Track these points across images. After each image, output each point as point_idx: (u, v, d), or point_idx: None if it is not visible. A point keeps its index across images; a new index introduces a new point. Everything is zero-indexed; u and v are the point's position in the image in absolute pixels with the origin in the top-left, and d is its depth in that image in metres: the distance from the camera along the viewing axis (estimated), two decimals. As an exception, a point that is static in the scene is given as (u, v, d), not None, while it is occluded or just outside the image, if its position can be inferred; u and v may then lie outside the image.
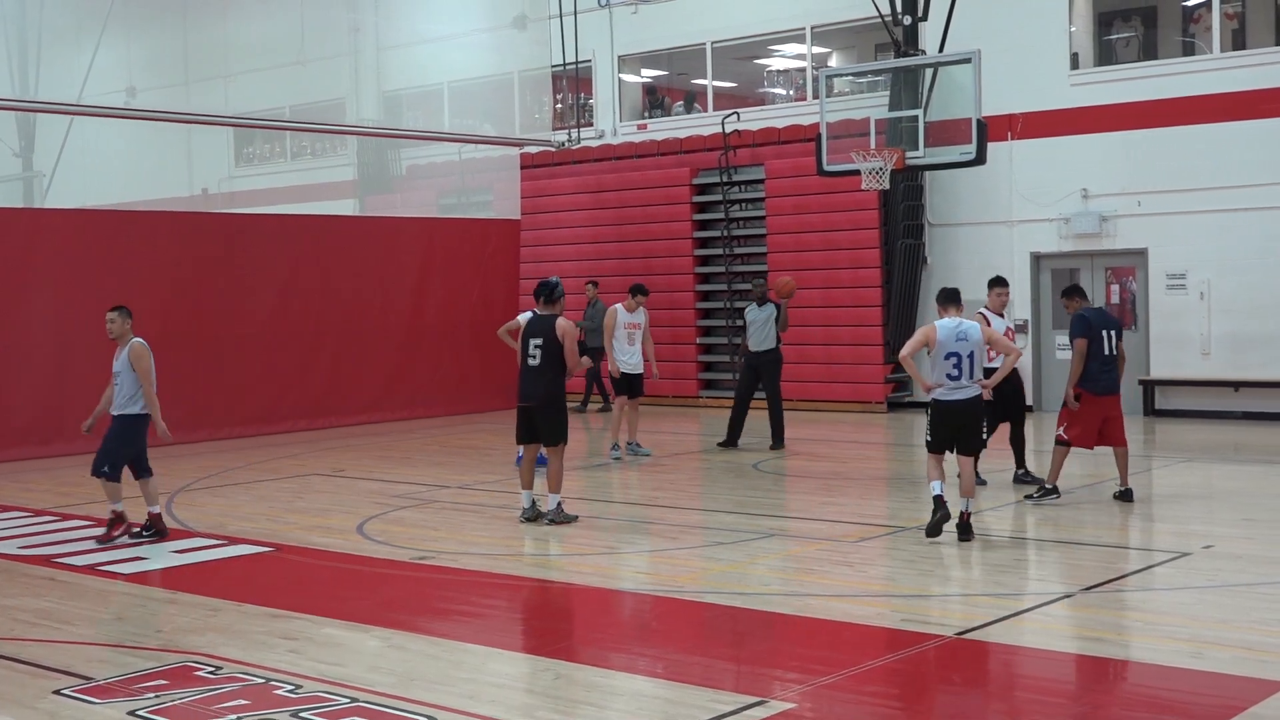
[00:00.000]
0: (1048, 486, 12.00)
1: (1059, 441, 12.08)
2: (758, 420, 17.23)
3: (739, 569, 9.75)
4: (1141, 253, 19.51)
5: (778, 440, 16.62)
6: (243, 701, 6.74)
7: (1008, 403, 13.06)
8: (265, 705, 6.68)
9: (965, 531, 10.54)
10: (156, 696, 6.87)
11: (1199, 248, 18.97)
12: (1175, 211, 19.13)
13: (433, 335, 22.19)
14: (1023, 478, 13.12)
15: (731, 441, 16.62)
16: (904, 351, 10.72)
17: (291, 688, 6.95)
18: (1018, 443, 13.28)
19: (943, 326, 10.64)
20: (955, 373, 10.58)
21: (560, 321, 11.63)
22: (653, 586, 9.39)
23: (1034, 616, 8.18)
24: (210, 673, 7.27)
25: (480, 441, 18.53)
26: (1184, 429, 18.05)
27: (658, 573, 9.91)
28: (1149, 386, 19.22)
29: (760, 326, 16.56)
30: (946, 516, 10.50)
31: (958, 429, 10.65)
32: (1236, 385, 18.80)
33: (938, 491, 10.72)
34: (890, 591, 9.09)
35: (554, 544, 10.97)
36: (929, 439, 10.87)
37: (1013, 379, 12.98)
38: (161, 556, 10.70)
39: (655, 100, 25.04)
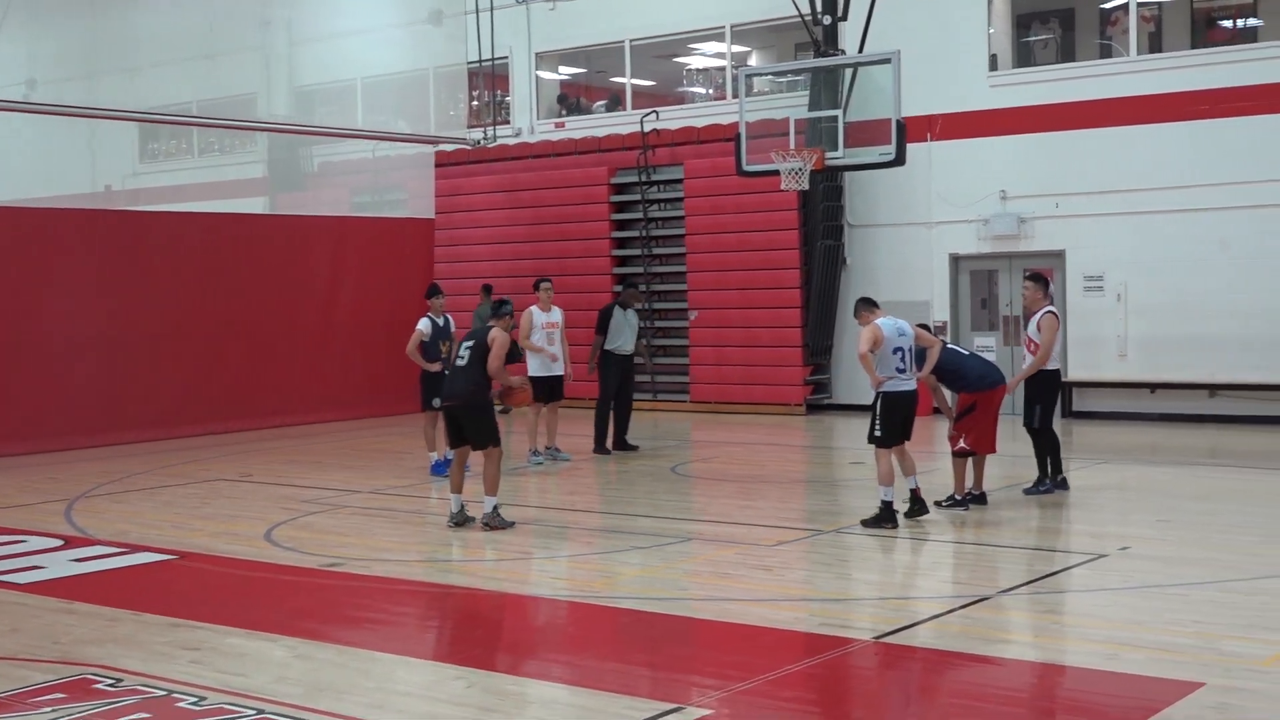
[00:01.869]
0: (956, 498, 12.09)
1: (961, 454, 12.12)
2: (668, 422, 17.22)
3: (656, 574, 9.74)
4: (1059, 254, 19.77)
5: (624, 441, 16.71)
6: (144, 715, 6.61)
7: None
8: (168, 718, 6.56)
9: (921, 506, 11.40)
10: (54, 711, 6.72)
11: (1116, 250, 19.26)
12: (1093, 213, 19.41)
13: (344, 336, 22.01)
14: (1061, 484, 13.02)
15: (606, 448, 16.56)
16: (862, 348, 11.20)
17: (194, 700, 6.83)
18: (1055, 448, 13.00)
19: (885, 325, 11.29)
20: (903, 365, 11.28)
21: (495, 330, 11.64)
22: (569, 592, 9.36)
23: (952, 620, 8.24)
24: (110, 685, 7.12)
25: (393, 445, 18.38)
26: (1101, 431, 18.31)
27: (574, 578, 9.88)
28: (1066, 388, 19.43)
29: (627, 330, 16.52)
30: (894, 525, 11.08)
31: (907, 418, 11.37)
32: (1153, 387, 19.11)
33: (889, 498, 11.04)
34: (809, 595, 9.12)
35: (468, 550, 10.90)
36: (879, 434, 11.27)
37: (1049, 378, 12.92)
38: (60, 565, 10.49)
39: (569, 103, 25.00)
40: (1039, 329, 12.71)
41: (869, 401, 11.62)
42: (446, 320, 15.36)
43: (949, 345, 12.34)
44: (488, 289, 21.07)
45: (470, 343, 11.79)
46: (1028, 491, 12.81)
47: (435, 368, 14.91)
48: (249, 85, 26.18)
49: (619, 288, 19.98)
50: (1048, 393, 12.80)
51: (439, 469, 14.96)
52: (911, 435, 11.57)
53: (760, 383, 21.43)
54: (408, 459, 16.60)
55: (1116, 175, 19.20)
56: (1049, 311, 12.76)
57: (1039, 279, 13.05)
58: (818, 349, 21.15)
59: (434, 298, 15.35)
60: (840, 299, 21.17)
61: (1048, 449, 12.86)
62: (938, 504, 11.96)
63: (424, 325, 15.08)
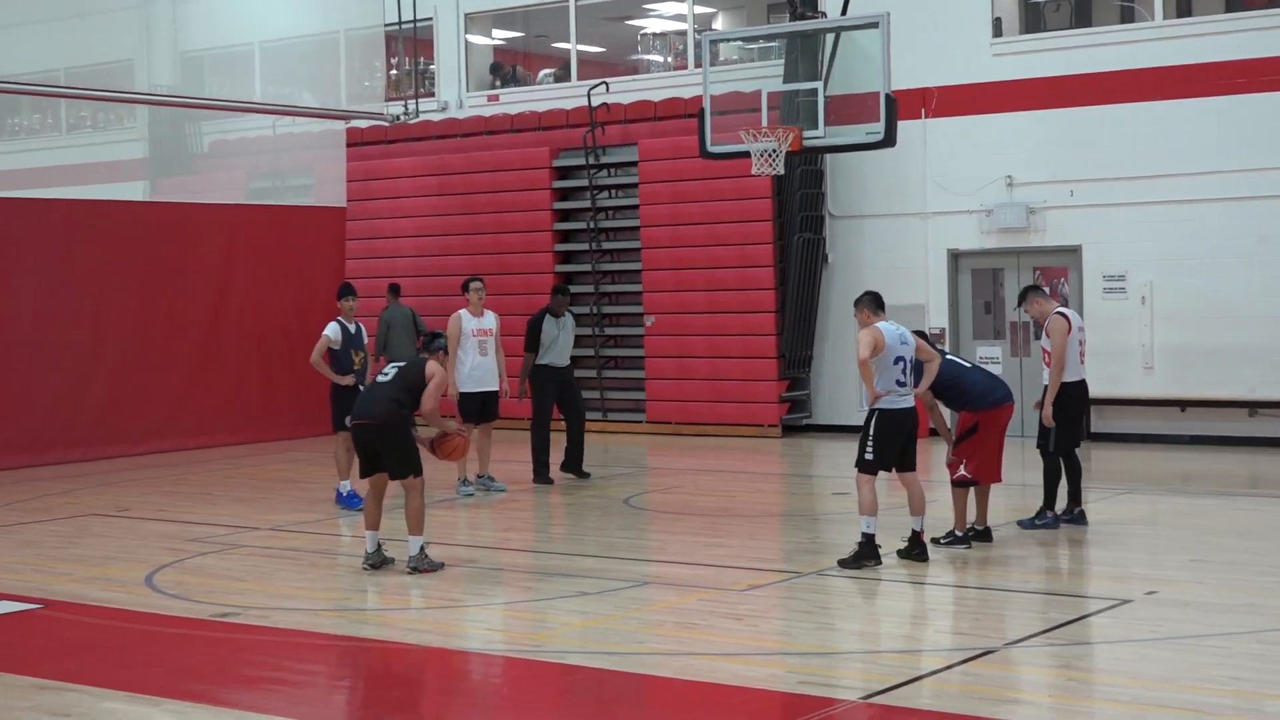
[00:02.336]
0: (957, 534, 12.15)
1: (961, 483, 12.18)
2: (621, 446, 17.21)
3: (607, 624, 9.73)
4: (1075, 250, 19.92)
5: (579, 464, 16.72)
6: (1, 793, 6.55)
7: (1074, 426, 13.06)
8: (29, 797, 6.50)
9: (922, 552, 11.39)
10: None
11: (1141, 245, 19.42)
12: (1113, 203, 19.56)
13: (238, 345, 21.89)
14: (1078, 517, 13.11)
15: (547, 476, 16.55)
16: (863, 353, 11.20)
17: (62, 775, 6.77)
18: (1058, 476, 13.12)
19: (886, 330, 11.33)
20: (903, 378, 11.33)
21: (432, 363, 11.70)
22: (505, 646, 9.34)
23: (952, 676, 8.27)
24: (-40, 758, 7.05)
25: (296, 474, 18.28)
26: (1124, 456, 18.45)
27: (511, 629, 9.86)
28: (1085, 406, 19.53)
29: (562, 339, 16.52)
30: (877, 561, 11.14)
31: (906, 439, 11.43)
32: (1183, 405, 19.27)
33: (871, 530, 11.12)
34: (785, 649, 9.13)
35: (386, 596, 10.85)
36: (870, 457, 11.33)
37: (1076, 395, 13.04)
38: (-99, 616, 10.37)
39: (504, 73, 24.98)
40: (1047, 334, 12.83)
41: (854, 422, 11.72)
42: (359, 327, 15.32)
43: (949, 356, 12.41)
44: (395, 289, 20.86)
45: (400, 364, 11.89)
46: (1026, 524, 12.87)
47: (346, 381, 14.88)
48: (126, 50, 26.04)
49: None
50: (1068, 410, 12.90)
51: (350, 501, 14.91)
52: (915, 462, 11.61)
53: (728, 400, 21.49)
54: (314, 489, 16.51)
55: (1141, 159, 19.36)
56: (1057, 313, 12.88)
57: (1031, 290, 13.23)
58: (795, 361, 21.22)
59: (346, 299, 15.32)
60: (821, 302, 21.25)
61: (1067, 475, 12.93)
62: (935, 541, 11.99)
63: (332, 331, 15.04)
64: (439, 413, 11.69)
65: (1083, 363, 13.04)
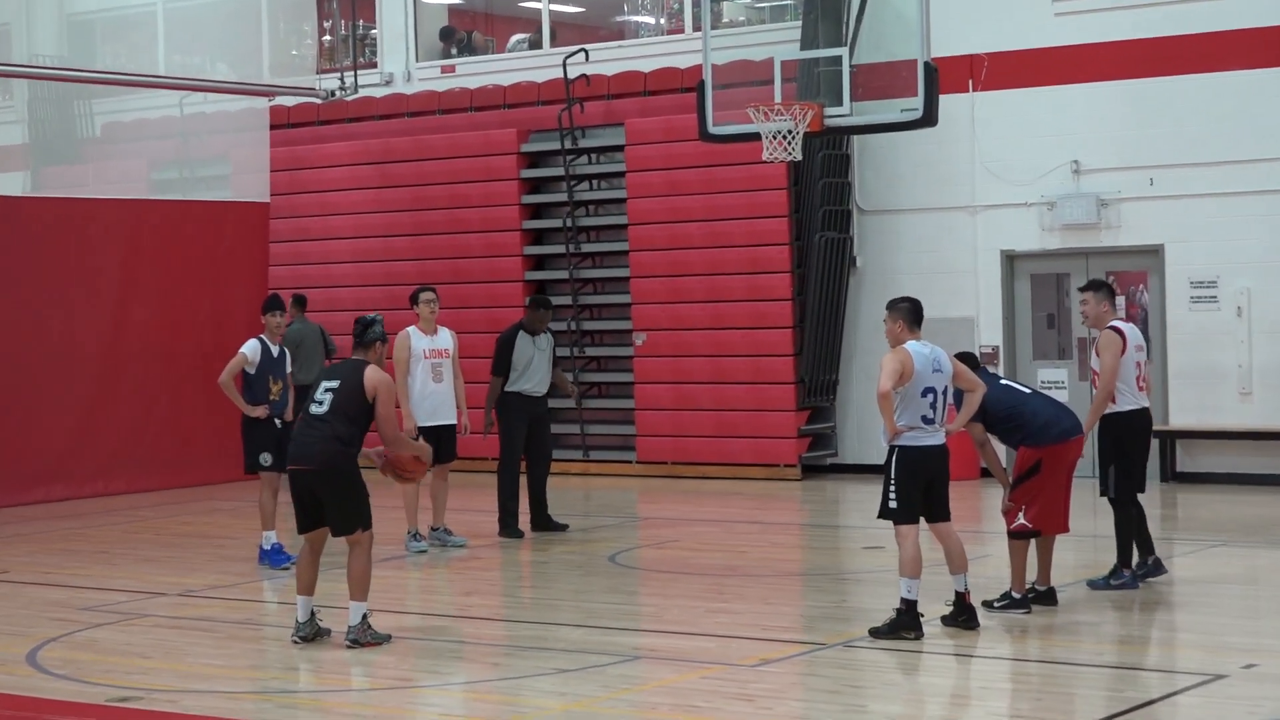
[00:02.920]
0: (1014, 596, 12.17)
1: (1020, 534, 12.19)
2: (605, 491, 17.22)
3: (590, 707, 9.74)
4: (1155, 251, 19.98)
5: (546, 518, 16.78)
6: None
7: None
8: None
9: (970, 617, 11.35)
10: None
11: (1235, 245, 19.47)
12: (1202, 193, 19.62)
13: (140, 370, 21.85)
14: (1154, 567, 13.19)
15: (517, 528, 16.59)
16: (884, 384, 11.14)
17: None
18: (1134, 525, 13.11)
19: (917, 354, 11.24)
20: (931, 414, 11.27)
21: (371, 372, 11.58)
22: (466, 735, 9.37)
23: (1009, 768, 8.31)
24: None
25: (212, 527, 18.28)
26: (1216, 500, 18.48)
27: (474, 714, 9.86)
28: (1168, 440, 19.63)
29: (538, 362, 16.54)
30: (918, 632, 11.09)
31: (933, 482, 11.38)
32: (1288, 437, 19.35)
33: (913, 595, 11.09)
34: (807, 736, 9.17)
35: (322, 676, 10.86)
36: (894, 505, 11.32)
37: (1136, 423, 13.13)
38: None
39: (460, 40, 25.03)
40: (1097, 352, 12.89)
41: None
42: (283, 350, 15.41)
43: (1003, 381, 12.44)
44: (300, 300, 20.69)
45: (332, 384, 11.69)
46: (1095, 584, 12.91)
47: (258, 413, 14.98)
48: (1, 13, 26.05)
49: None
50: (1127, 444, 12.96)
51: (275, 558, 14.94)
52: (948, 510, 11.62)
53: (737, 435, 21.50)
54: (233, 546, 16.51)
55: (1236, 140, 19.42)
56: (1110, 327, 12.93)
57: (1100, 286, 13.23)
58: (817, 387, 21.24)
59: (272, 314, 15.38)
60: (848, 314, 21.28)
61: (1130, 526, 12.98)
62: (989, 604, 12.01)
63: (250, 349, 15.15)
64: (400, 434, 11.70)
65: (1142, 389, 13.05)
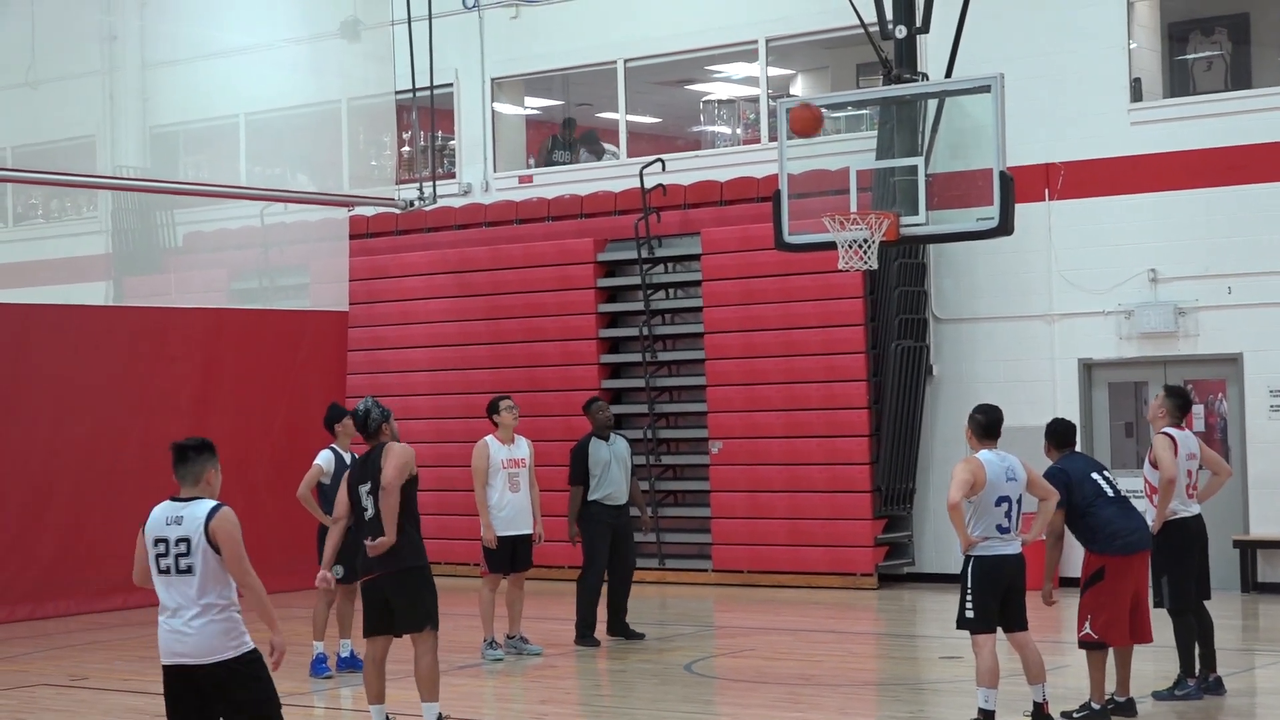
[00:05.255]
0: (1095, 707, 12.12)
1: (1087, 644, 12.20)
2: (681, 600, 17.20)
3: (667, 816, 9.76)
4: (1234, 360, 19.92)
5: (623, 625, 16.82)
6: None
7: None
8: None
9: None
10: None
11: (1315, 353, 19.43)
12: (1280, 302, 19.62)
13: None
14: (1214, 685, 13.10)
15: (593, 637, 16.65)
16: (954, 496, 11.29)
17: None
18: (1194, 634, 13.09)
19: (989, 463, 11.40)
20: (1006, 523, 11.44)
21: (392, 447, 11.74)
22: (542, 843, 9.38)
23: None
24: None
25: (288, 633, 18.32)
26: (1299, 611, 18.35)
27: (549, 823, 9.90)
28: (1248, 550, 19.51)
29: (615, 468, 16.60)
30: None
31: (1010, 591, 11.48)
32: (1371, 548, 19.18)
33: (990, 706, 11.15)
34: (884, 847, 9.15)
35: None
36: (971, 614, 11.39)
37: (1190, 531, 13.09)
38: None
39: (558, 140, 25.17)
40: (1152, 462, 12.86)
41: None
42: (355, 457, 15.52)
43: (1093, 475, 12.40)
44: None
45: (368, 485, 11.87)
46: (1160, 696, 12.85)
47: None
48: (86, 125, 26.38)
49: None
50: (1180, 553, 12.92)
51: (317, 668, 15.08)
52: (1026, 620, 11.57)
53: (813, 543, 21.45)
54: (303, 656, 16.57)
55: (1314, 248, 19.43)
56: (1162, 432, 12.93)
57: (1172, 394, 13.26)
58: (894, 496, 21.20)
59: (340, 422, 15.47)
60: (925, 422, 21.26)
61: (1190, 635, 12.89)
62: (1068, 715, 11.99)
63: (325, 459, 15.28)
64: (394, 493, 11.71)
65: (1191, 496, 13.05)
